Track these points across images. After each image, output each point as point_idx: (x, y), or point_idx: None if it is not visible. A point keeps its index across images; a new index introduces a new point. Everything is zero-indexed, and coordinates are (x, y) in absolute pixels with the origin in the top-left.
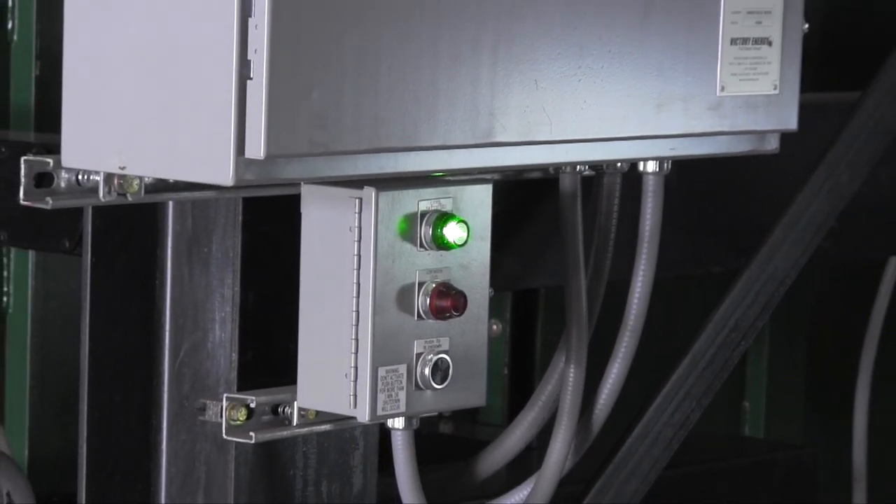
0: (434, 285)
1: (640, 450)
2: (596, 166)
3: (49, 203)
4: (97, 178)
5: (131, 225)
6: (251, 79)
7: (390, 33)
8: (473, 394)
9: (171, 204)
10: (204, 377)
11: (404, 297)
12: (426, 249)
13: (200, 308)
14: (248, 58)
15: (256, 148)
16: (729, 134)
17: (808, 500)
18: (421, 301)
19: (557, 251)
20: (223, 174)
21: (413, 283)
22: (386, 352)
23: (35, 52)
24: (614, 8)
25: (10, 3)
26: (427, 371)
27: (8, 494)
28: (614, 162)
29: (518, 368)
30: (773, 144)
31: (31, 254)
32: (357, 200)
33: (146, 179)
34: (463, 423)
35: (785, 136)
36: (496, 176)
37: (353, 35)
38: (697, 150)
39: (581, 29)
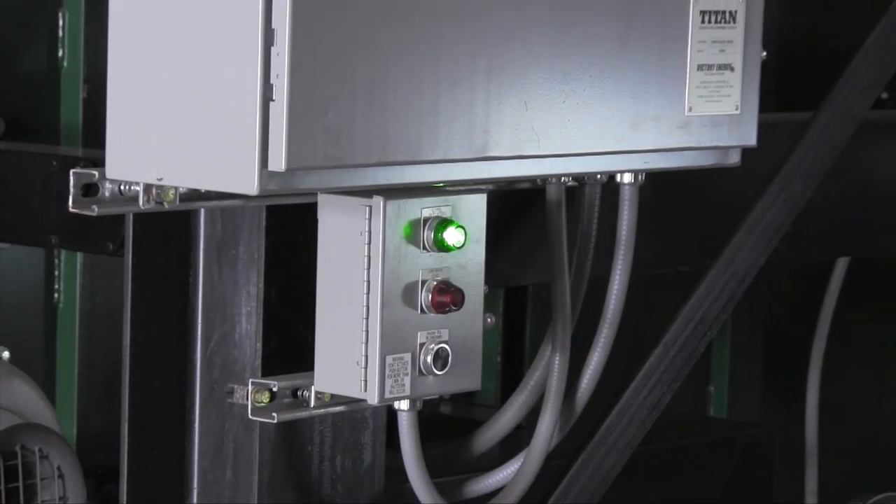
0: (435, 283)
1: (617, 428)
2: (578, 178)
3: (95, 210)
4: (137, 188)
5: (167, 230)
6: (273, 100)
7: (397, 61)
8: (470, 379)
9: (202, 211)
10: (232, 364)
11: (409, 293)
12: (428, 251)
13: (228, 303)
14: (271, 82)
15: (278, 161)
16: (696, 149)
17: (766, 473)
18: (423, 297)
19: (544, 253)
20: (249, 185)
21: (416, 281)
22: (393, 342)
23: (82, 77)
24: (595, 38)
25: (60, 34)
26: (429, 359)
27: (59, 468)
28: (594, 174)
29: (509, 356)
30: (735, 158)
31: (78, 255)
32: (367, 208)
33: (180, 189)
34: (461, 405)
35: (745, 151)
36: (490, 186)
37: (364, 62)
38: (668, 163)
39: (565, 57)
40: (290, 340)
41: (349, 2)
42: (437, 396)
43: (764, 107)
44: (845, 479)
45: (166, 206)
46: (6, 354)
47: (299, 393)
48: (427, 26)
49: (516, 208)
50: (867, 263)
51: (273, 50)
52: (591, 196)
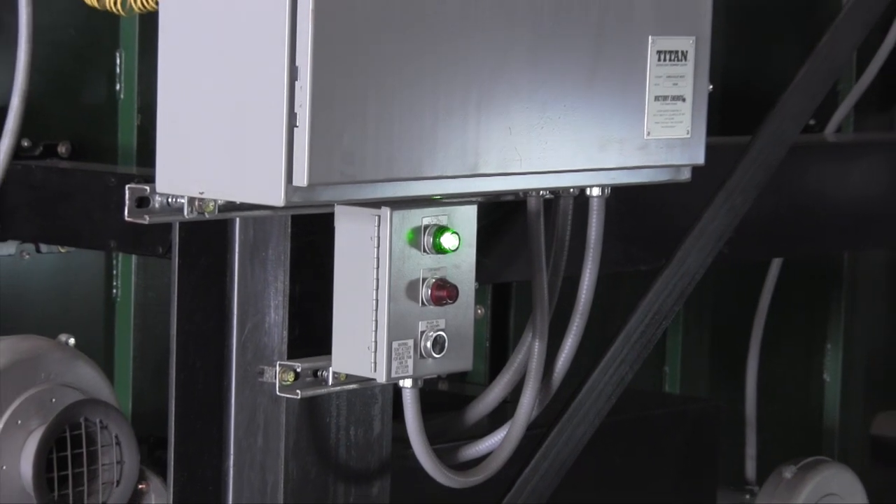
0: (434, 280)
1: (587, 403)
2: (554, 191)
3: (146, 219)
4: (182, 200)
5: (208, 236)
6: (297, 126)
7: (401, 93)
8: (463, 361)
9: (237, 220)
10: (262, 349)
11: (411, 289)
12: (428, 253)
13: (259, 297)
14: (295, 111)
15: (301, 178)
16: (653, 167)
17: (713, 440)
18: (424, 292)
19: (525, 254)
20: (276, 197)
21: (418, 279)
22: (398, 330)
23: (136, 107)
24: (567, 74)
25: (117, 71)
26: (429, 344)
27: (116, 436)
28: (567, 188)
29: (496, 342)
30: (686, 175)
31: (133, 257)
32: (376, 217)
33: (219, 202)
34: (455, 383)
35: (695, 169)
36: (480, 199)
37: (374, 94)
38: (630, 179)
39: (542, 90)
40: (311, 329)
41: (361, 43)
42: (435, 376)
43: (710, 131)
44: (779, 445)
45: (207, 215)
46: (72, 341)
47: (319, 373)
48: (427, 65)
49: (502, 217)
50: (797, 263)
51: (297, 84)
52: (564, 207)
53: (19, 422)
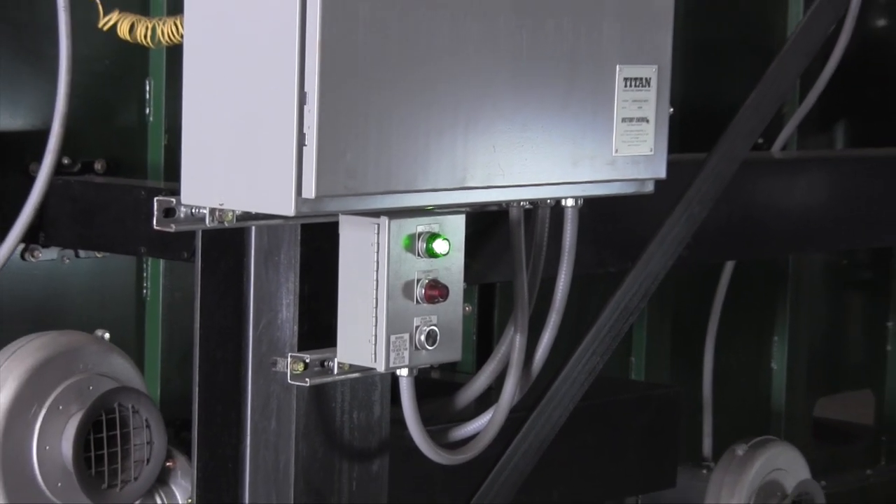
0: (427, 281)
1: (563, 389)
2: (533, 202)
3: (173, 228)
4: (204, 211)
5: (227, 242)
6: (306, 145)
7: (398, 116)
8: (453, 352)
9: (253, 228)
10: (275, 342)
11: (407, 288)
12: (421, 257)
13: (273, 297)
14: (304, 132)
15: (309, 190)
16: (621, 181)
17: (674, 421)
18: (418, 291)
19: (508, 258)
20: (287, 208)
21: (413, 280)
22: (395, 325)
23: (164, 128)
24: (545, 99)
25: (147, 96)
26: (423, 337)
27: (146, 420)
28: (545, 199)
29: (482, 336)
30: (649, 188)
31: (161, 261)
32: (376, 225)
33: (237, 212)
34: (446, 372)
35: (657, 182)
36: (468, 209)
37: (374, 117)
38: (600, 191)
39: (523, 112)
40: (318, 324)
41: (362, 72)
42: (428, 365)
43: (671, 149)
44: (732, 426)
45: (226, 224)
46: (106, 335)
47: (326, 363)
48: (420, 91)
49: (487, 225)
50: (747, 265)
51: (306, 108)
52: (542, 216)
53: (60, 407)
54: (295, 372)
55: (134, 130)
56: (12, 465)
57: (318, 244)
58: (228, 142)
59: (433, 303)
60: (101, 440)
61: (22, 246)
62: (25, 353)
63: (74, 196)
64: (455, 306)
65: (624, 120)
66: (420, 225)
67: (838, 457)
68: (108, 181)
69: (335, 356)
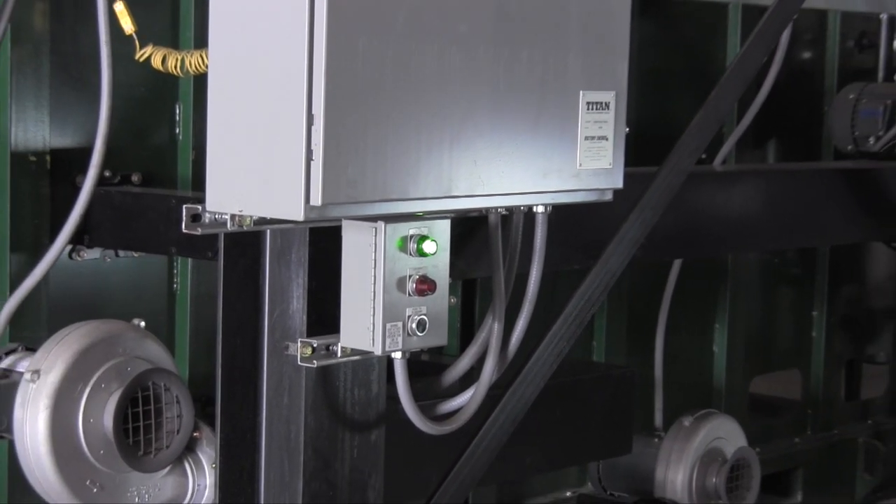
0: (417, 276)
1: (534, 369)
2: (508, 209)
3: (199, 231)
4: (226, 216)
5: (246, 243)
6: (313, 160)
7: (393, 135)
8: (440, 338)
9: (268, 231)
10: (287, 330)
11: (401, 283)
12: (413, 256)
13: (285, 290)
14: (312, 148)
15: (316, 199)
16: (584, 191)
17: (629, 397)
18: (410, 286)
19: (487, 257)
20: (297, 214)
21: (405, 276)
22: (390, 314)
23: (191, 145)
24: (518, 120)
25: (177, 118)
26: (414, 325)
27: (176, 396)
28: (519, 206)
29: (465, 323)
30: (609, 196)
31: (189, 260)
32: (374, 229)
33: (254, 217)
34: (434, 355)
35: (616, 192)
36: (452, 214)
37: (372, 136)
38: (566, 199)
39: (500, 131)
40: (324, 314)
41: (362, 97)
42: (418, 349)
43: (627, 163)
44: (680, 401)
45: (245, 228)
46: (142, 324)
47: (330, 347)
48: (411, 113)
49: (469, 228)
50: (693, 263)
51: (313, 128)
52: (517, 221)
53: (102, 385)
54: (304, 355)
55: (165, 147)
56: (61, 436)
57: (323, 245)
58: (246, 157)
59: (423, 295)
60: (137, 414)
61: (69, 247)
62: (72, 339)
63: (114, 204)
64: (442, 298)
65: (587, 138)
66: (411, 228)
67: (770, 427)
68: (144, 191)
69: (339, 341)
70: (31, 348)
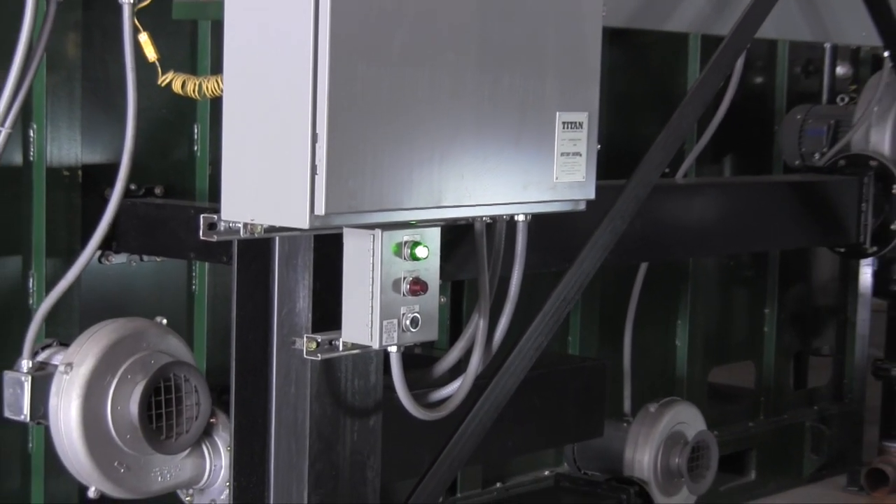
0: (411, 278)
1: (516, 362)
2: (493, 218)
3: (215, 238)
4: (239, 224)
5: (257, 249)
6: (317, 174)
7: (389, 152)
8: (431, 333)
9: (277, 237)
10: (294, 326)
11: (396, 284)
12: (406, 260)
13: (292, 291)
14: (316, 164)
15: (320, 209)
16: (560, 201)
17: (601, 387)
18: (404, 286)
19: (473, 260)
20: (303, 222)
21: (400, 278)
22: (387, 312)
23: (208, 160)
24: (501, 138)
25: (195, 137)
26: (408, 322)
27: (195, 386)
28: (502, 215)
29: (454, 320)
30: (582, 206)
31: (206, 264)
32: (372, 236)
33: (264, 225)
34: (426, 348)
35: (589, 202)
36: (442, 223)
37: (370, 152)
38: (544, 209)
39: (485, 148)
40: (327, 312)
41: (362, 117)
42: (412, 344)
43: (598, 176)
44: (646, 389)
45: (256, 235)
46: (164, 321)
47: (333, 342)
48: (405, 131)
49: (457, 235)
50: (658, 265)
51: (317, 145)
52: (500, 228)
53: (129, 377)
54: (309, 349)
55: (185, 163)
56: (92, 422)
57: (326, 250)
58: (257, 171)
59: (416, 295)
60: (160, 402)
61: (99, 252)
62: (101, 335)
63: (139, 214)
64: (433, 298)
65: (562, 154)
66: (405, 235)
67: (727, 413)
68: (165, 202)
69: (340, 336)
70: (65, 343)
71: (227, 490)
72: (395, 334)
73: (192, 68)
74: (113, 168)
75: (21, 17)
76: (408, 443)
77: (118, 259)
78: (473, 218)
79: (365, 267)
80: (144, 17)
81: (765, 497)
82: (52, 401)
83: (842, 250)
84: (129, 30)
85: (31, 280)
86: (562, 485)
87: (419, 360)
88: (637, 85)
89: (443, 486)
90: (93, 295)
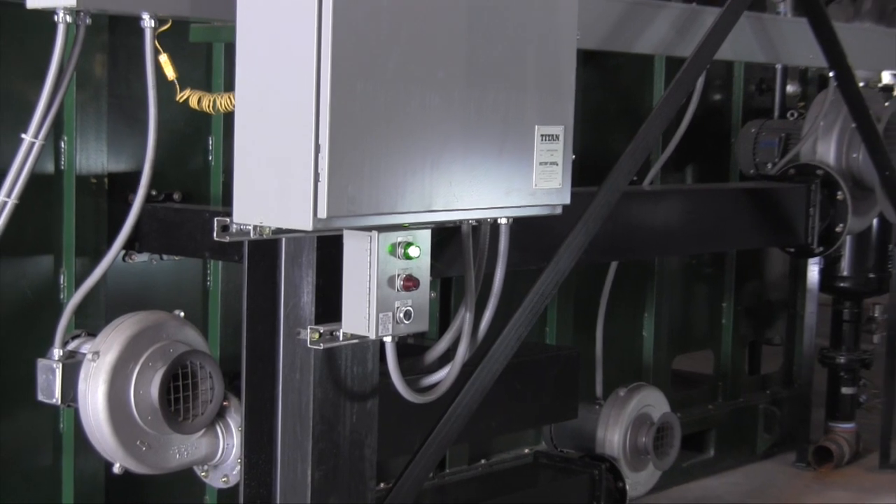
0: (404, 275)
1: (499, 351)
2: (478, 221)
3: (227, 239)
4: (249, 227)
5: (266, 248)
6: (320, 181)
7: (385, 161)
8: (422, 325)
9: (284, 238)
10: (299, 318)
11: (391, 281)
12: (400, 259)
13: (297, 287)
14: (318, 172)
15: (322, 213)
16: (539, 206)
17: (575, 373)
18: (398, 283)
19: (460, 259)
20: (306, 225)
21: (394, 275)
22: (382, 305)
23: (221, 169)
24: (486, 148)
25: (210, 148)
26: (401, 315)
27: (210, 373)
28: (486, 219)
29: (443, 313)
30: (559, 210)
31: (220, 262)
32: (369, 237)
33: (272, 227)
34: (418, 338)
35: (564, 207)
36: (433, 226)
37: (368, 161)
38: (524, 213)
39: (471, 158)
40: (329, 306)
41: (360, 129)
42: (405, 334)
43: (573, 184)
44: (616, 375)
45: (265, 236)
46: (182, 314)
47: (334, 333)
48: (399, 143)
49: (446, 237)
50: (627, 264)
51: (319, 155)
52: (484, 230)
53: (150, 364)
54: (313, 339)
55: (201, 171)
56: (117, 405)
57: (328, 250)
58: (266, 179)
59: (409, 291)
60: (178, 387)
61: (123, 252)
62: (125, 327)
63: (159, 217)
64: (424, 293)
65: (541, 163)
66: (399, 236)
67: (689, 396)
68: (183, 207)
69: (341, 328)
70: (92, 334)
71: (239, 466)
72: (390, 326)
73: (207, 86)
74: (136, 176)
75: (53, 39)
76: (401, 424)
77: (140, 258)
78: (461, 221)
79: (363, 265)
80: (164, 40)
81: (722, 472)
82: (81, 386)
83: (792, 250)
84: (150, 51)
85: (61, 277)
86: (540, 461)
87: (412, 349)
88: (608, 101)
89: (433, 463)
90: (117, 290)
